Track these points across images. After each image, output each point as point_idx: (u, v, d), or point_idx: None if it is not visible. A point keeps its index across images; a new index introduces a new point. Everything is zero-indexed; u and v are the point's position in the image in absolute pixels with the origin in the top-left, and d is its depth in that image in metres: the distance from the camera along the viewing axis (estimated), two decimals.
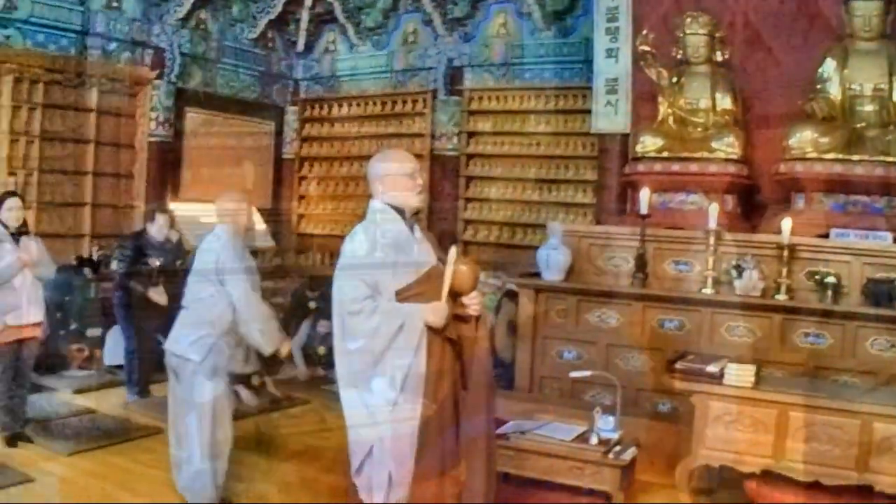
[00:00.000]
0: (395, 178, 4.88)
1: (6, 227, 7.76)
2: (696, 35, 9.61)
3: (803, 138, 8.68)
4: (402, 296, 4.64)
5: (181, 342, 6.42)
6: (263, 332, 6.48)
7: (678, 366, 7.14)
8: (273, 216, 13.74)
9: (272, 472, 7.39)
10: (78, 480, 7.15)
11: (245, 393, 9.12)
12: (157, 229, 9.78)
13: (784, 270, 8.15)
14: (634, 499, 6.83)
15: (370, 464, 4.66)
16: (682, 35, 9.68)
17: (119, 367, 10.23)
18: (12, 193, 8.17)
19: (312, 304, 11.03)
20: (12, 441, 7.88)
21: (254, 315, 6.42)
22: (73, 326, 10.49)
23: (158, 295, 9.46)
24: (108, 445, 7.99)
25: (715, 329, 8.41)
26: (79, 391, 9.78)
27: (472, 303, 4.83)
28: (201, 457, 6.39)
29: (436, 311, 4.59)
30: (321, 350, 10.52)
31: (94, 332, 10.72)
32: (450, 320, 4.65)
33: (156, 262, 9.54)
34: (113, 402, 9.47)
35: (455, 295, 4.72)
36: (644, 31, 9.77)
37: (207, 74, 13.36)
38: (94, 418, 8.87)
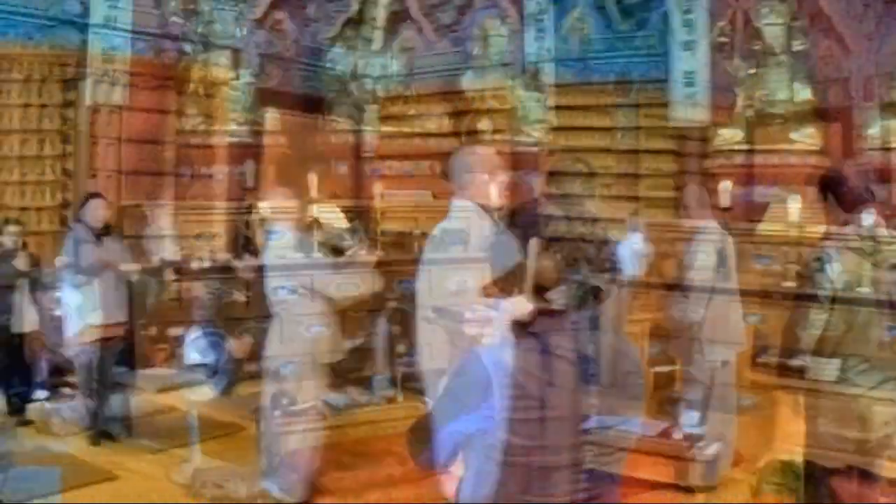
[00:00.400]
0: (478, 175, 4.90)
1: (90, 227, 7.88)
2: (773, 25, 9.54)
3: (885, 128, 8.58)
4: (488, 292, 4.65)
5: (271, 347, 6.52)
6: (358, 286, 6.59)
7: (761, 360, 7.11)
8: (353, 213, 13.79)
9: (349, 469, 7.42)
10: (161, 478, 7.27)
11: (333, 396, 9.18)
12: (247, 268, 9.79)
13: (867, 263, 8.04)
14: (718, 494, 6.79)
15: (455, 460, 4.69)
16: (759, 25, 9.61)
17: (200, 365, 10.33)
18: (96, 194, 8.31)
19: (393, 304, 11.05)
20: (96, 439, 8.05)
21: (337, 285, 6.52)
22: (154, 326, 10.59)
23: (241, 345, 9.43)
24: (190, 444, 8.08)
25: (798, 323, 8.32)
26: (161, 390, 9.89)
27: (556, 298, 4.83)
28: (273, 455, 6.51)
29: (520, 307, 4.59)
30: (401, 348, 10.53)
31: (175, 331, 10.84)
32: (534, 316, 4.65)
33: (242, 298, 9.55)
34: (195, 401, 9.56)
35: (539, 290, 4.72)
36: (720, 23, 9.72)
37: (285, 74, 13.46)
38: (176, 416, 8.98)
